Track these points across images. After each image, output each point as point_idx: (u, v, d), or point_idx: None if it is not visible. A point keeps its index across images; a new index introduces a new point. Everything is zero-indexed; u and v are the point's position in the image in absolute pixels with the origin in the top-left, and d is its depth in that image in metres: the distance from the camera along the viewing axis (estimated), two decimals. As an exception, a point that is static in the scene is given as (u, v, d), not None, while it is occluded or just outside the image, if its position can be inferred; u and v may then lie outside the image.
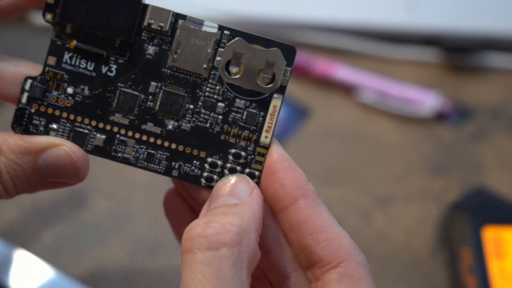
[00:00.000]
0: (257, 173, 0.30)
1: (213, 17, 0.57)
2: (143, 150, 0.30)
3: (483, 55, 0.58)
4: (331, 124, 0.54)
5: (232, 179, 0.29)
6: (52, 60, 0.30)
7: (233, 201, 0.28)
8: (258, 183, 0.29)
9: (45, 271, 0.43)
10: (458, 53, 0.57)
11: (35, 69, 0.30)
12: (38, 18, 0.58)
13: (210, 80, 0.30)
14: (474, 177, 0.51)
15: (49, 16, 0.29)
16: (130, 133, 0.30)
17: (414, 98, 0.55)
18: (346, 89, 0.56)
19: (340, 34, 0.58)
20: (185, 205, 0.33)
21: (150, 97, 0.30)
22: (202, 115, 0.30)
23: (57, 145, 0.29)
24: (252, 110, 0.30)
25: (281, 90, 0.29)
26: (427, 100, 0.54)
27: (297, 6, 0.59)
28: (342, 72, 0.56)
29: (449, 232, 0.47)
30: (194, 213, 0.33)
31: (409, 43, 0.59)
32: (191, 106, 0.30)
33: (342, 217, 0.49)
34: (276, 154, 0.29)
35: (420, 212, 0.49)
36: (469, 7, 0.59)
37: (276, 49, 0.29)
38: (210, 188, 0.30)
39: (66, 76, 0.30)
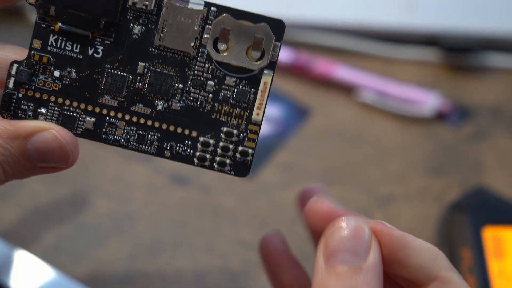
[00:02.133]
0: (250, 150, 0.29)
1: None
2: (134, 131, 0.30)
3: (483, 55, 0.58)
4: (331, 124, 0.54)
5: (347, 231, 0.28)
6: (37, 44, 0.29)
7: (354, 261, 0.27)
8: (251, 161, 0.29)
9: (45, 272, 0.43)
10: (458, 53, 0.57)
11: (22, 53, 0.30)
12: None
13: (199, 59, 0.29)
14: (474, 177, 0.51)
15: None
16: (119, 115, 0.30)
17: (414, 98, 0.55)
18: (346, 89, 0.56)
19: (340, 34, 0.58)
20: (286, 250, 0.34)
21: (139, 77, 0.29)
22: (192, 94, 0.29)
23: (45, 129, 0.29)
24: (243, 88, 0.29)
25: (271, 66, 0.29)
26: (427, 100, 0.54)
27: (297, 6, 0.59)
28: (342, 72, 0.56)
29: (449, 232, 0.47)
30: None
31: (409, 43, 0.59)
32: (181, 86, 0.29)
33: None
34: (397, 232, 0.29)
35: (420, 212, 0.49)
36: (468, 7, 0.59)
37: (264, 24, 0.29)
38: (204, 167, 0.29)
39: (52, 59, 0.29)
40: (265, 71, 0.29)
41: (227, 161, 0.29)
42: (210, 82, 0.29)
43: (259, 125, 0.29)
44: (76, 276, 0.44)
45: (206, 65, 0.29)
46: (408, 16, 0.59)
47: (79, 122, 0.30)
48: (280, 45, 0.29)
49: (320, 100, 0.56)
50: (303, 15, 0.59)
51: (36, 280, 0.43)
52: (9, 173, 0.29)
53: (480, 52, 0.57)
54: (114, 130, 0.30)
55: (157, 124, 0.30)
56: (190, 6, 0.29)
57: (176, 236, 0.47)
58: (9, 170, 0.29)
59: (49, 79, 0.29)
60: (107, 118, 0.30)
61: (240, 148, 0.29)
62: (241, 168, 0.29)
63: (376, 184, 0.51)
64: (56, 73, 0.29)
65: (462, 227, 0.45)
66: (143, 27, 0.29)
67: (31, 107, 0.30)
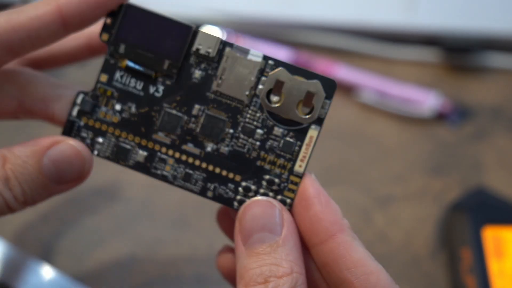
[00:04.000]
0: (288, 200, 0.30)
1: (213, 17, 0.57)
2: (182, 169, 0.31)
3: (483, 55, 0.58)
4: (331, 124, 0.54)
5: (257, 208, 0.29)
6: (104, 78, 0.31)
7: (270, 238, 0.28)
8: (289, 211, 0.30)
9: (46, 272, 0.43)
10: (458, 53, 0.57)
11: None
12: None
13: (251, 107, 0.30)
14: (474, 177, 0.51)
15: (105, 36, 0.31)
16: (170, 152, 0.31)
17: (414, 98, 0.55)
18: (346, 89, 0.56)
19: (340, 34, 0.58)
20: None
21: (193, 119, 0.31)
22: (240, 140, 0.30)
23: (60, 141, 0.30)
24: (289, 139, 0.30)
25: (319, 121, 0.30)
26: (427, 100, 0.54)
27: (297, 6, 0.59)
28: (342, 72, 0.56)
29: (449, 232, 0.47)
30: None
31: (409, 43, 0.59)
32: (231, 131, 0.30)
33: (342, 217, 0.49)
34: (313, 188, 0.29)
35: (420, 212, 0.49)
36: (469, 7, 0.59)
37: (316, 81, 0.30)
38: None
39: (115, 93, 0.31)
40: (312, 126, 0.30)
41: None
42: (259, 131, 0.30)
43: (301, 177, 0.30)
44: (76, 276, 0.44)
45: (258, 114, 0.30)
46: (408, 16, 0.59)
47: (132, 155, 0.31)
48: (330, 103, 0.30)
49: (320, 100, 0.56)
50: (303, 15, 0.59)
51: (37, 281, 0.43)
52: (28, 194, 0.29)
53: (480, 52, 0.57)
54: (163, 165, 0.31)
55: (204, 165, 0.31)
56: (249, 57, 0.30)
57: (176, 236, 0.47)
58: (27, 190, 0.29)
59: (110, 112, 0.31)
60: (158, 153, 0.31)
61: (279, 197, 0.30)
62: None
63: (376, 184, 0.51)
64: (117, 107, 0.31)
65: (462, 227, 0.46)
66: (203, 72, 0.31)
67: (90, 136, 0.31)
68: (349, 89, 0.56)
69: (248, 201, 0.30)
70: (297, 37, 0.58)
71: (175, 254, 0.46)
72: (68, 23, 0.30)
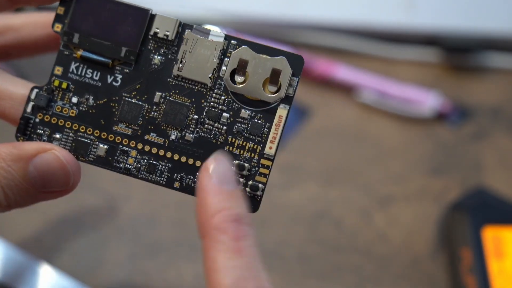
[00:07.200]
0: (260, 185, 0.29)
1: (213, 17, 0.57)
2: (145, 161, 0.30)
3: (483, 55, 0.58)
4: (331, 124, 0.54)
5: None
6: (58, 70, 0.30)
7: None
8: (261, 197, 0.29)
9: (45, 272, 0.43)
10: (458, 53, 0.57)
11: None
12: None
13: (215, 90, 0.29)
14: (474, 177, 0.51)
15: (58, 27, 0.30)
16: (132, 144, 0.30)
17: (414, 98, 0.55)
18: (346, 89, 0.56)
19: (340, 34, 0.58)
20: None
21: (154, 107, 0.29)
22: (206, 125, 0.29)
23: (47, 150, 0.29)
24: (257, 121, 0.29)
25: (287, 100, 0.29)
26: (427, 100, 0.54)
27: (297, 6, 0.59)
28: (342, 72, 0.56)
29: (449, 232, 0.47)
30: None
31: (409, 43, 0.59)
32: (195, 117, 0.29)
33: (342, 217, 0.49)
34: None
35: (420, 212, 0.49)
36: (469, 7, 0.59)
37: (282, 57, 0.29)
38: None
39: (71, 85, 0.30)
40: (281, 105, 0.29)
41: None
42: (225, 114, 0.29)
43: (272, 160, 0.29)
44: (76, 276, 0.44)
45: (222, 97, 0.29)
46: (408, 16, 0.59)
47: (92, 149, 0.30)
48: (298, 80, 0.29)
49: (320, 100, 0.56)
50: (303, 15, 0.59)
51: (37, 281, 0.43)
52: (11, 199, 0.28)
53: (480, 52, 0.57)
54: (125, 158, 0.30)
55: (169, 154, 0.29)
56: (210, 38, 0.29)
57: (176, 236, 0.47)
58: (11, 196, 0.28)
59: (67, 105, 0.30)
60: (120, 146, 0.30)
61: (250, 183, 0.29)
62: (250, 203, 0.29)
63: (376, 184, 0.51)
64: (74, 100, 0.30)
65: (462, 227, 0.46)
66: (163, 58, 0.30)
67: (46, 132, 0.30)
68: (349, 89, 0.56)
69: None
70: (297, 37, 0.58)
71: (175, 254, 0.46)
72: None
